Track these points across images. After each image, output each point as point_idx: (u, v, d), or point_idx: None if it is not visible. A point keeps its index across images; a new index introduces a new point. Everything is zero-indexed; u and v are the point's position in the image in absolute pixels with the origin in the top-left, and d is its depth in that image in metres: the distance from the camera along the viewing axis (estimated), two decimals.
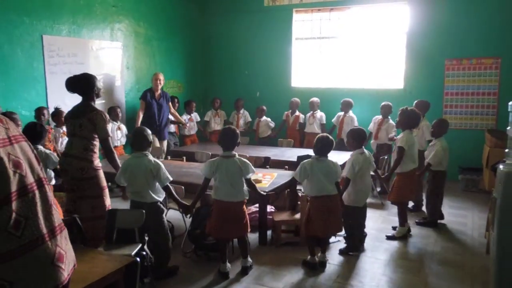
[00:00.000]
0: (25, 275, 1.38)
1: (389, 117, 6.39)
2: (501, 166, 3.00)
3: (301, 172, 3.80)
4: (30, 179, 1.42)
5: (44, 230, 1.43)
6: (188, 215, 3.99)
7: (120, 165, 3.69)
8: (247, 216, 3.74)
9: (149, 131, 3.71)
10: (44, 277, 1.43)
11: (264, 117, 7.75)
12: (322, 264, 3.90)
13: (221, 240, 3.75)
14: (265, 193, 3.98)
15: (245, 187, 3.67)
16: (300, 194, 4.43)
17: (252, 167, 3.68)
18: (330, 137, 3.90)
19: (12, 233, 1.34)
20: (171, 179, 3.59)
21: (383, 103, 6.45)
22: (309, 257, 3.90)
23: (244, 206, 3.70)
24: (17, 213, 1.35)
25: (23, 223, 1.37)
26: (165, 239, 3.61)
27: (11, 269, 1.35)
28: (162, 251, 3.57)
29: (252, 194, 3.84)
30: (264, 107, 7.77)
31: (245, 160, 3.68)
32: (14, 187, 1.35)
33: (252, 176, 3.71)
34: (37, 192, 1.44)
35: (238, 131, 3.73)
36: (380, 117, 6.46)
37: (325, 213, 3.78)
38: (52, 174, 4.12)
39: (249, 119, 7.94)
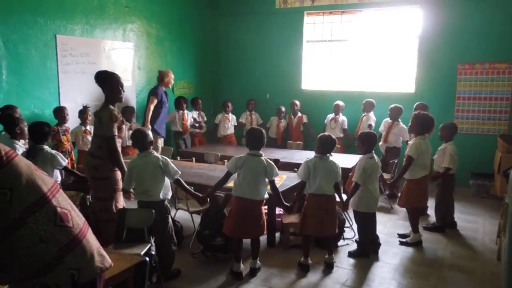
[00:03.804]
0: (85, 261, 1.53)
1: (400, 119, 6.32)
2: None
3: (305, 170, 3.80)
4: (52, 180, 1.57)
5: (83, 219, 1.60)
6: (203, 206, 3.99)
7: (125, 166, 3.67)
8: (264, 217, 3.73)
9: (148, 131, 3.73)
10: (99, 261, 1.58)
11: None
12: (329, 266, 3.89)
13: (237, 239, 3.74)
14: (289, 205, 3.87)
15: (266, 188, 3.68)
16: None
17: (277, 170, 3.68)
18: (332, 136, 3.90)
19: (64, 225, 1.49)
20: (180, 172, 3.60)
21: (391, 106, 6.36)
22: (302, 258, 3.91)
23: (262, 207, 3.70)
24: (60, 207, 1.51)
25: (69, 215, 1.52)
26: (170, 240, 3.60)
27: (75, 257, 1.49)
28: (166, 253, 3.55)
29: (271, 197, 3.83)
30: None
31: (271, 162, 3.69)
32: (45, 188, 1.49)
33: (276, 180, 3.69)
34: (61, 191, 1.59)
35: (264, 132, 3.76)
36: (389, 120, 6.40)
37: (321, 212, 3.77)
38: (58, 173, 4.01)
39: (260, 120, 7.94)
